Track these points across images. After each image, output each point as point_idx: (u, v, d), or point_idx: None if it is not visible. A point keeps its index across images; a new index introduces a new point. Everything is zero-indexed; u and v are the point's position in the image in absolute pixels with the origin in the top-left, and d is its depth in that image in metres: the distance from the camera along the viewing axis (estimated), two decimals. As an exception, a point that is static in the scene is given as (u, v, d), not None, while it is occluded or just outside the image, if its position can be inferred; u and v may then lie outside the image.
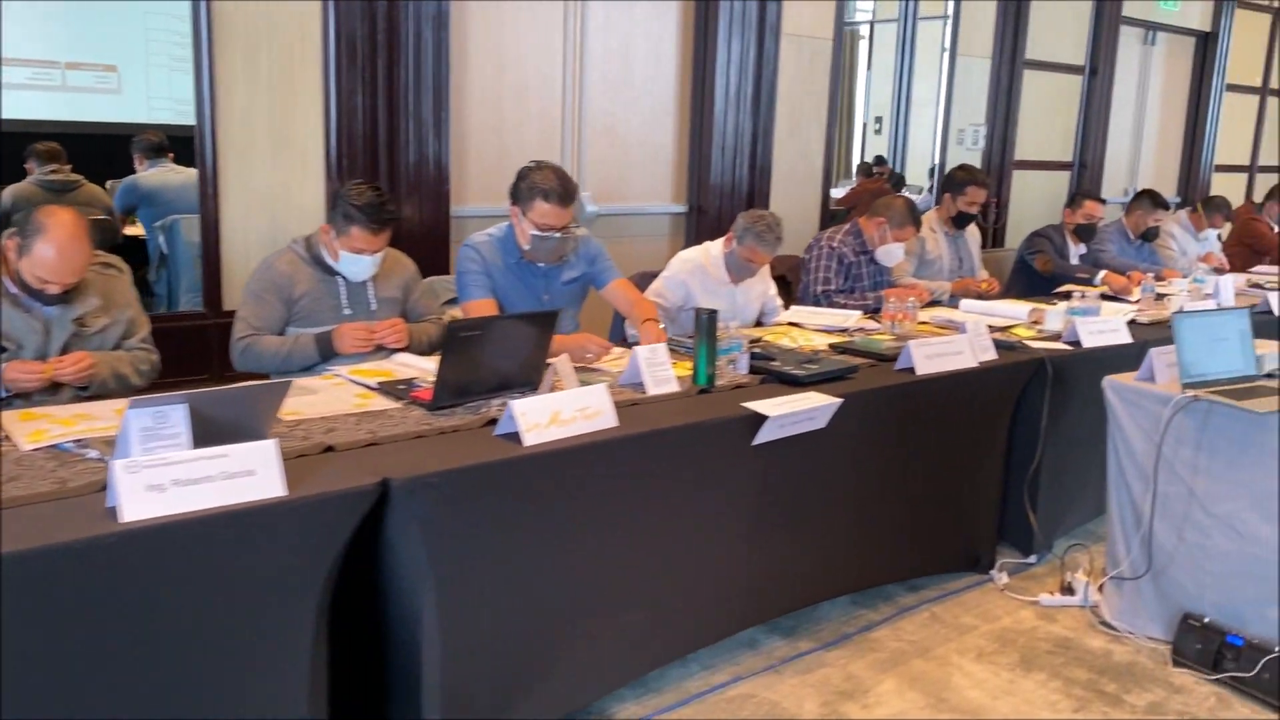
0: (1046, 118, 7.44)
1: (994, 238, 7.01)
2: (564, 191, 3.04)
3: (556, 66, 4.91)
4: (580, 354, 2.86)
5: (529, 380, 2.52)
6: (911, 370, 3.02)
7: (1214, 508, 2.81)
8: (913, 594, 3.26)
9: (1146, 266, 5.26)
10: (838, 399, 2.66)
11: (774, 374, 2.86)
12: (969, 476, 3.31)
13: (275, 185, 4.11)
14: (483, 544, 2.13)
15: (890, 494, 3.09)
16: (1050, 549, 3.56)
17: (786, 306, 4.01)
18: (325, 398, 2.49)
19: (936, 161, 7.00)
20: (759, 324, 3.90)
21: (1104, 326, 3.58)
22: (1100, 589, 3.16)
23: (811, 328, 3.66)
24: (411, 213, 4.43)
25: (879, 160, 8.41)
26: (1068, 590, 3.24)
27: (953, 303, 4.32)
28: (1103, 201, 5.23)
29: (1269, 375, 3.07)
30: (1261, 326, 4.40)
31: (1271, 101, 9.37)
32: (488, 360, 2.46)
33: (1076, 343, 3.53)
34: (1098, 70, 7.58)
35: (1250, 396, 2.77)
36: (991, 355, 3.26)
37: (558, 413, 2.25)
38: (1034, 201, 7.44)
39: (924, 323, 3.76)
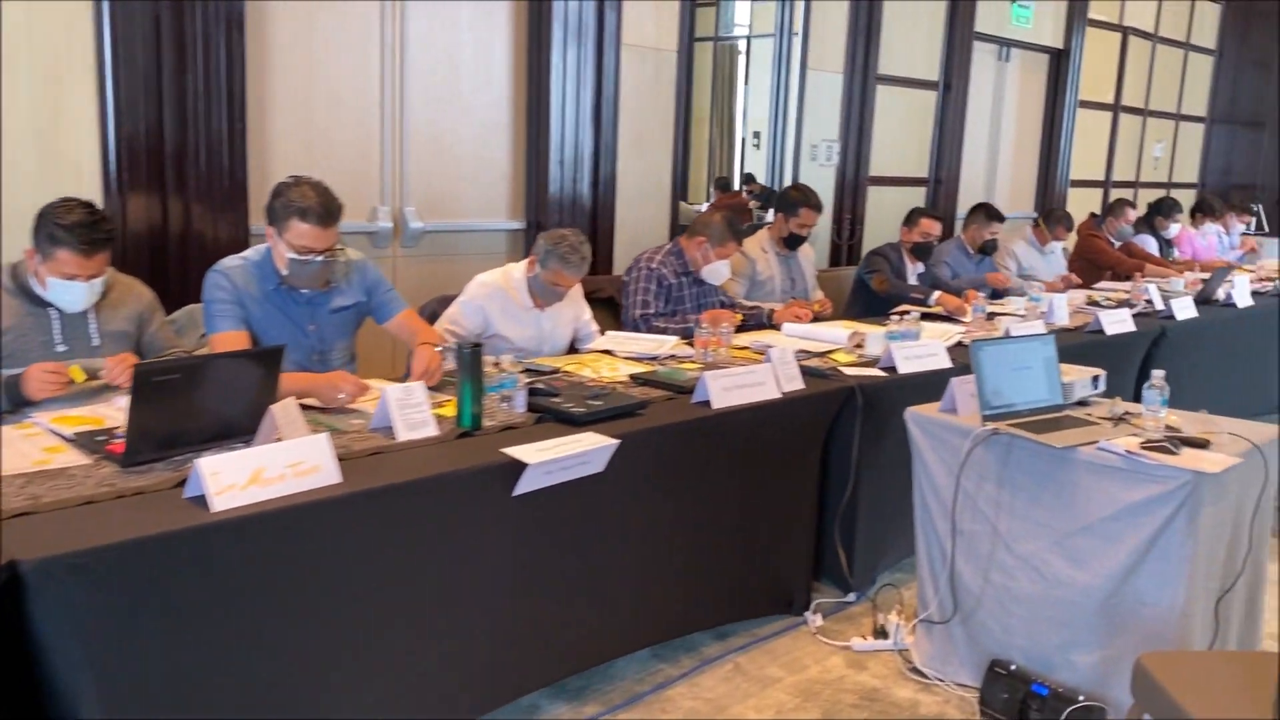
0: (901, 133, 7.40)
1: (848, 255, 6.92)
2: (324, 210, 2.73)
3: (373, 73, 4.58)
4: (330, 395, 2.55)
5: (255, 429, 2.20)
6: (708, 403, 2.80)
7: (1017, 547, 2.65)
8: (719, 643, 3.03)
9: (984, 282, 5.19)
10: (614, 440, 2.42)
11: (552, 412, 2.60)
12: (779, 514, 3.10)
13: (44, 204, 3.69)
14: (157, 636, 1.79)
15: (690, 537, 2.86)
16: (873, 585, 3.39)
17: (604, 332, 3.77)
18: (6, 453, 2.13)
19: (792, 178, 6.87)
20: (574, 350, 3.65)
21: (921, 351, 3.43)
22: (913, 631, 2.98)
23: (623, 355, 3.42)
24: (204, 230, 4.05)
25: (748, 178, 8.28)
26: (880, 633, 3.05)
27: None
28: (939, 219, 5.14)
29: (1081, 403, 2.95)
30: (1092, 347, 4.37)
31: (1124, 118, 9.58)
32: (199, 405, 2.14)
33: (894, 368, 3.37)
34: (951, 86, 7.58)
35: (1054, 429, 2.62)
36: (797, 385, 3.06)
37: (260, 470, 1.94)
38: (889, 218, 7.35)
39: (743, 348, 3.56)
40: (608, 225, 5.54)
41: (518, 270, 3.49)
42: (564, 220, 5.41)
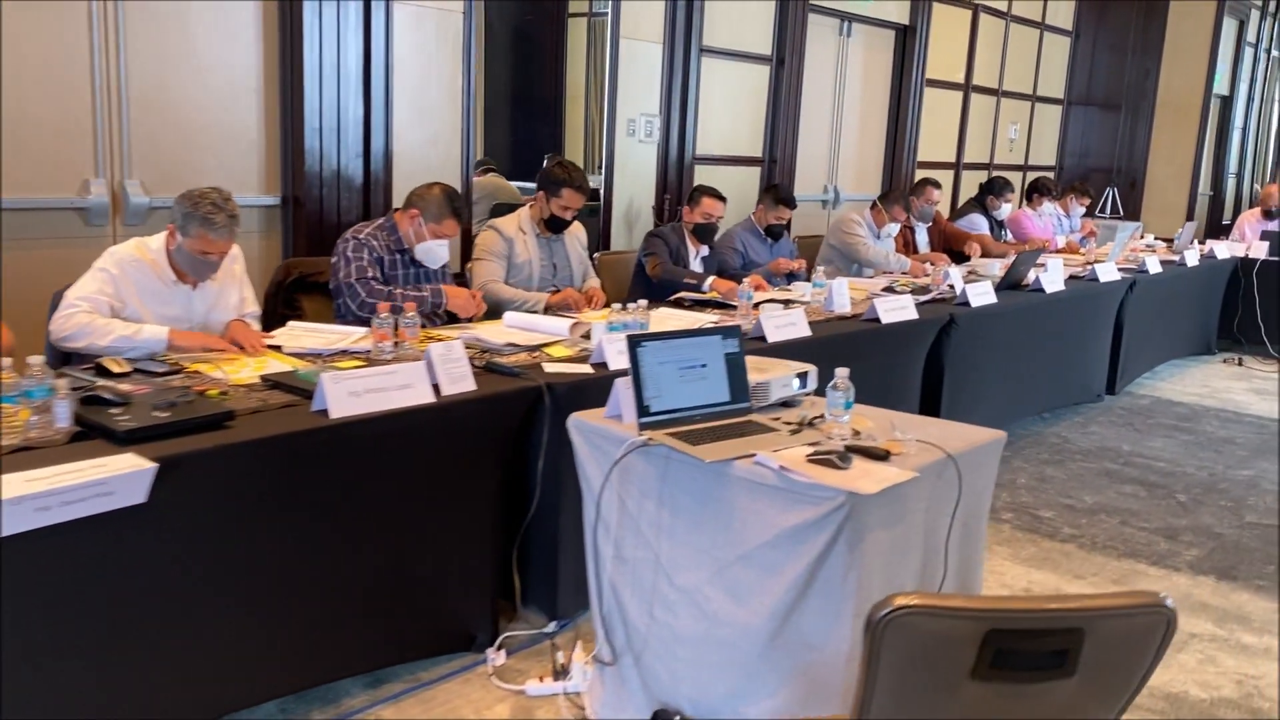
0: (732, 110, 7.02)
1: (668, 235, 6.52)
2: None
3: (80, 27, 3.99)
4: None
5: None
6: (326, 412, 2.33)
7: (678, 578, 2.25)
8: (368, 692, 2.58)
9: (764, 271, 4.84)
10: (149, 465, 1.94)
11: (98, 428, 2.11)
12: (450, 537, 2.66)
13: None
14: None
15: (321, 572, 2.39)
16: (584, 611, 2.97)
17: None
18: None
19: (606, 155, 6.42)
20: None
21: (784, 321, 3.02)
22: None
23: (291, 351, 2.93)
24: None
25: (557, 159, 7.78)
26: (562, 673, 2.64)
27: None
28: (722, 199, 4.74)
29: (785, 404, 2.56)
30: (868, 337, 4.02)
31: (976, 98, 9.37)
32: None
33: (605, 364, 2.96)
34: (785, 60, 7.22)
35: (718, 438, 2.22)
36: (465, 386, 2.62)
37: None
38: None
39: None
40: (382, 203, 5.03)
41: (156, 241, 2.97)
42: (327, 195, 4.89)
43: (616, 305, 3.55)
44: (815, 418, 2.38)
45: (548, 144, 8.78)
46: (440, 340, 2.68)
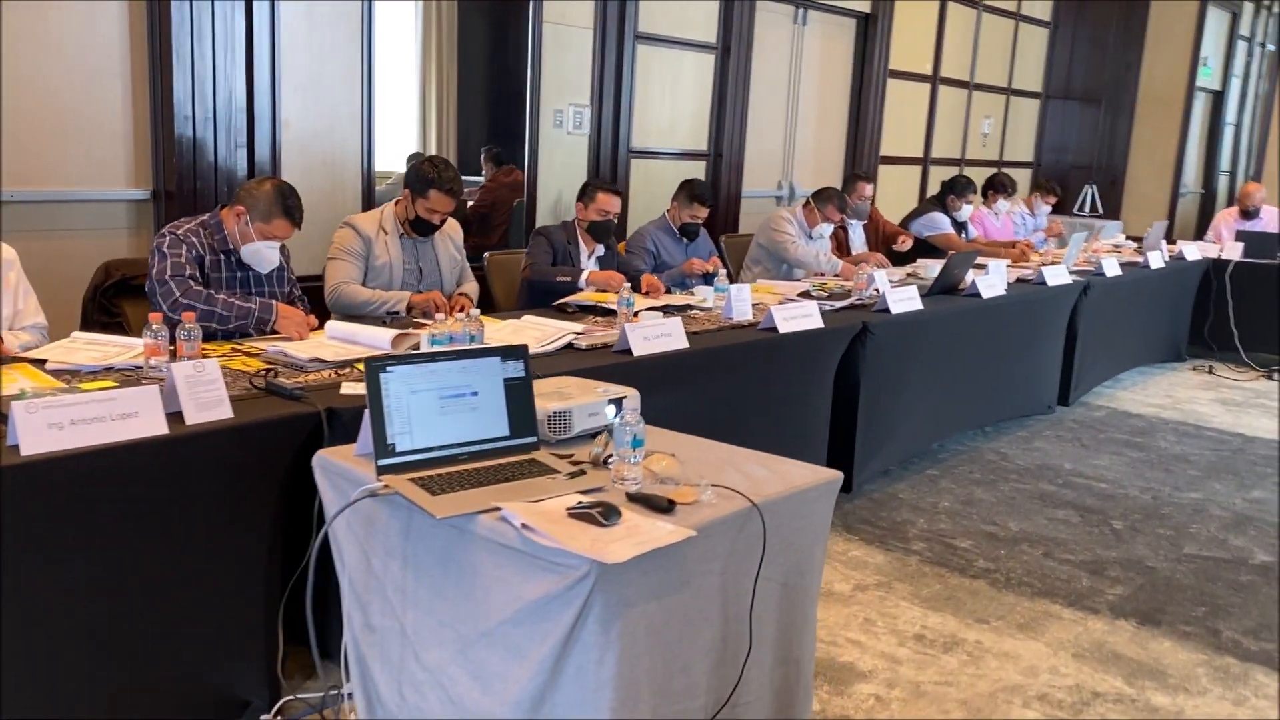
0: (673, 101, 6.62)
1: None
2: None
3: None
4: None
5: None
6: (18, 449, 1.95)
7: (425, 655, 1.87)
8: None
9: (677, 273, 4.46)
10: None
11: None
12: (214, 585, 2.28)
13: None
14: None
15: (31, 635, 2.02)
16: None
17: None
18: None
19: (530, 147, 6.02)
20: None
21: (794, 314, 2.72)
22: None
23: (53, 369, 2.55)
24: None
25: (491, 151, 7.38)
26: (333, 751, 2.26)
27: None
28: (618, 194, 4.34)
29: (595, 434, 2.18)
30: (767, 348, 3.63)
31: (945, 91, 8.96)
32: None
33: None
34: (731, 48, 6.82)
35: (485, 482, 1.84)
36: (218, 414, 2.23)
37: None
38: (662, 195, 6.61)
39: (251, 356, 2.72)
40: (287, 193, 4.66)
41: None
42: (204, 187, 4.52)
43: (475, 312, 3.18)
44: (608, 456, 2.00)
45: (509, 139, 8.39)
46: (245, 353, 2.29)
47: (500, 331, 3.16)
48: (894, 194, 8.37)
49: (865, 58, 8.10)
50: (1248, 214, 7.60)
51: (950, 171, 8.85)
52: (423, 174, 3.65)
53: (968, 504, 4.11)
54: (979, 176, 7.54)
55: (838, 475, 2.05)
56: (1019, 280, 5.27)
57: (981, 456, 4.72)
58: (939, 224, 6.33)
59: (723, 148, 7.00)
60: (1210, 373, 6.73)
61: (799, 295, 4.36)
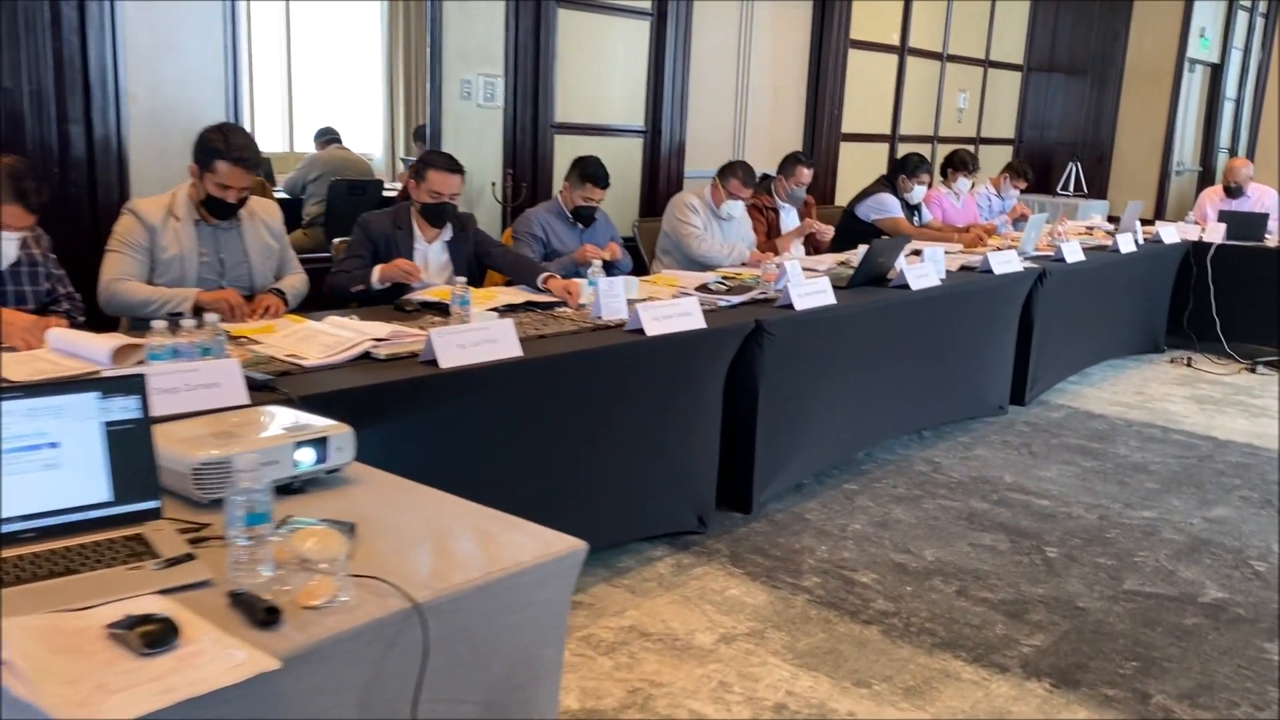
0: (601, 72, 6.08)
1: (512, 218, 5.60)
2: None
3: None
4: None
5: None
6: None
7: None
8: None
9: (569, 261, 3.93)
10: None
11: None
12: None
13: None
14: None
15: None
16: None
17: None
18: None
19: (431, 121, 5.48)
20: None
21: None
22: None
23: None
24: None
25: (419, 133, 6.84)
26: None
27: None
28: (457, 172, 3.74)
29: (296, 490, 1.67)
30: (638, 352, 3.12)
31: (915, 63, 8.38)
32: None
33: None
34: (666, 14, 6.26)
35: (24, 578, 1.33)
36: None
37: None
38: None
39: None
40: (111, 179, 4.16)
41: None
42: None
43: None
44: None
45: (233, 99, 7.92)
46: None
47: (286, 339, 2.64)
48: (858, 173, 7.78)
49: (824, 26, 7.52)
50: (1232, 192, 7.01)
51: (923, 148, 8.29)
52: (207, 144, 3.06)
53: (882, 526, 3.59)
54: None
55: (578, 547, 1.54)
56: (963, 269, 4.73)
57: (911, 467, 4.20)
58: (886, 207, 5.73)
59: (661, 124, 6.45)
60: (1189, 365, 6.18)
61: (696, 289, 3.83)
